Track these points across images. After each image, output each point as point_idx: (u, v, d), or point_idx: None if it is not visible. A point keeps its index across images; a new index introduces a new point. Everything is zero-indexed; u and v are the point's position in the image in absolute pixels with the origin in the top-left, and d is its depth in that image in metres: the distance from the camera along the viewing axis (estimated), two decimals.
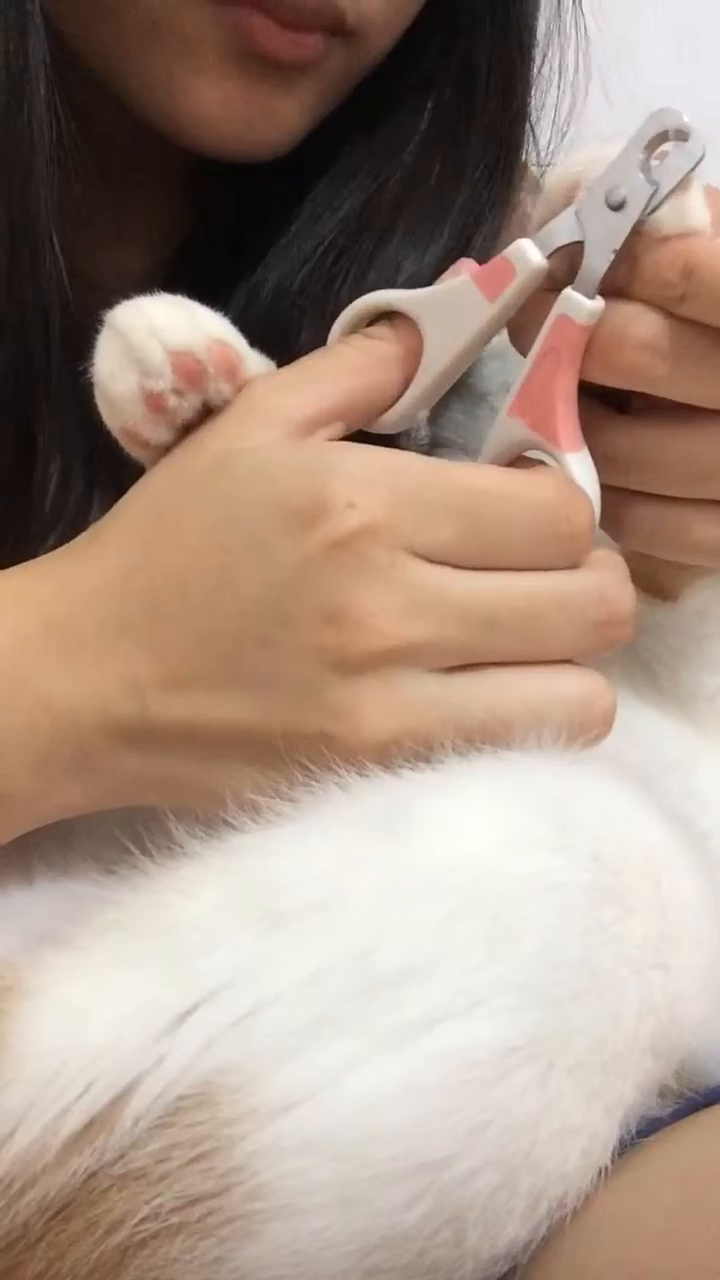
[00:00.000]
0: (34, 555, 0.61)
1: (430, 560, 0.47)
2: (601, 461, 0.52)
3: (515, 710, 0.48)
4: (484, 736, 0.48)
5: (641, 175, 0.47)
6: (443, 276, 0.52)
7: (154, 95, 0.62)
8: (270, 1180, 0.42)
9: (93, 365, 0.51)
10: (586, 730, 0.49)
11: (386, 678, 0.47)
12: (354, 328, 0.53)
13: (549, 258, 0.49)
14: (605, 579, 0.50)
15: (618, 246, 0.48)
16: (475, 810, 0.47)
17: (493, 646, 0.48)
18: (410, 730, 0.47)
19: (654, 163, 0.48)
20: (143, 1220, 0.42)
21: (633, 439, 0.52)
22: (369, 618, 0.46)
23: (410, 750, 0.47)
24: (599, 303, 0.49)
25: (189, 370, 0.49)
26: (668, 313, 0.49)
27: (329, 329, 0.55)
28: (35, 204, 0.59)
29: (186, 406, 0.50)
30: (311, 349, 0.54)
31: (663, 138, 0.48)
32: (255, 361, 0.52)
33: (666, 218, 0.48)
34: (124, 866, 0.49)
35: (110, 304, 0.69)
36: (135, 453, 0.52)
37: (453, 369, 0.51)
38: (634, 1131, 0.48)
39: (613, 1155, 0.47)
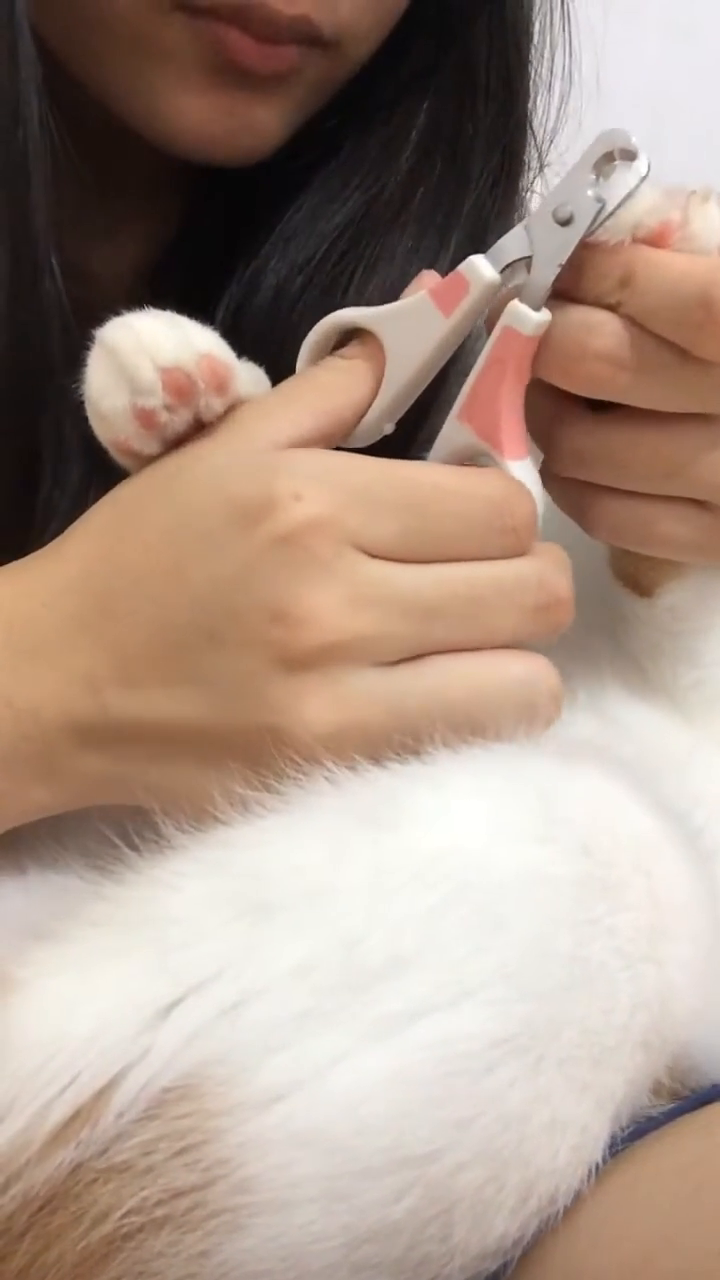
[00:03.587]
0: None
1: (375, 555, 0.48)
2: (570, 457, 0.53)
3: (460, 697, 0.49)
4: (429, 726, 0.48)
5: (589, 192, 0.49)
6: (405, 290, 0.53)
7: (136, 106, 0.63)
8: (257, 1173, 0.42)
9: (84, 379, 0.52)
10: (535, 712, 0.50)
11: (330, 672, 0.48)
12: (322, 346, 0.55)
13: (501, 273, 0.51)
14: (544, 565, 0.51)
15: (564, 260, 0.49)
16: (463, 802, 0.47)
17: (436, 637, 0.49)
18: (355, 723, 0.48)
19: (601, 181, 0.49)
20: (128, 1213, 0.42)
21: (600, 437, 0.53)
22: (313, 613, 0.47)
23: (357, 743, 0.48)
24: (545, 315, 0.50)
25: (179, 386, 0.50)
26: (630, 322, 0.50)
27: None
28: (34, 224, 0.60)
29: (178, 421, 0.51)
30: None
31: (610, 157, 0.49)
32: (246, 375, 0.53)
33: (609, 229, 0.49)
34: (112, 862, 0.49)
35: (105, 299, 0.70)
36: (124, 462, 0.53)
37: (415, 383, 0.52)
38: (631, 1130, 0.48)
39: (609, 1153, 0.47)
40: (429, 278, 0.53)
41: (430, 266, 0.65)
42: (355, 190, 0.69)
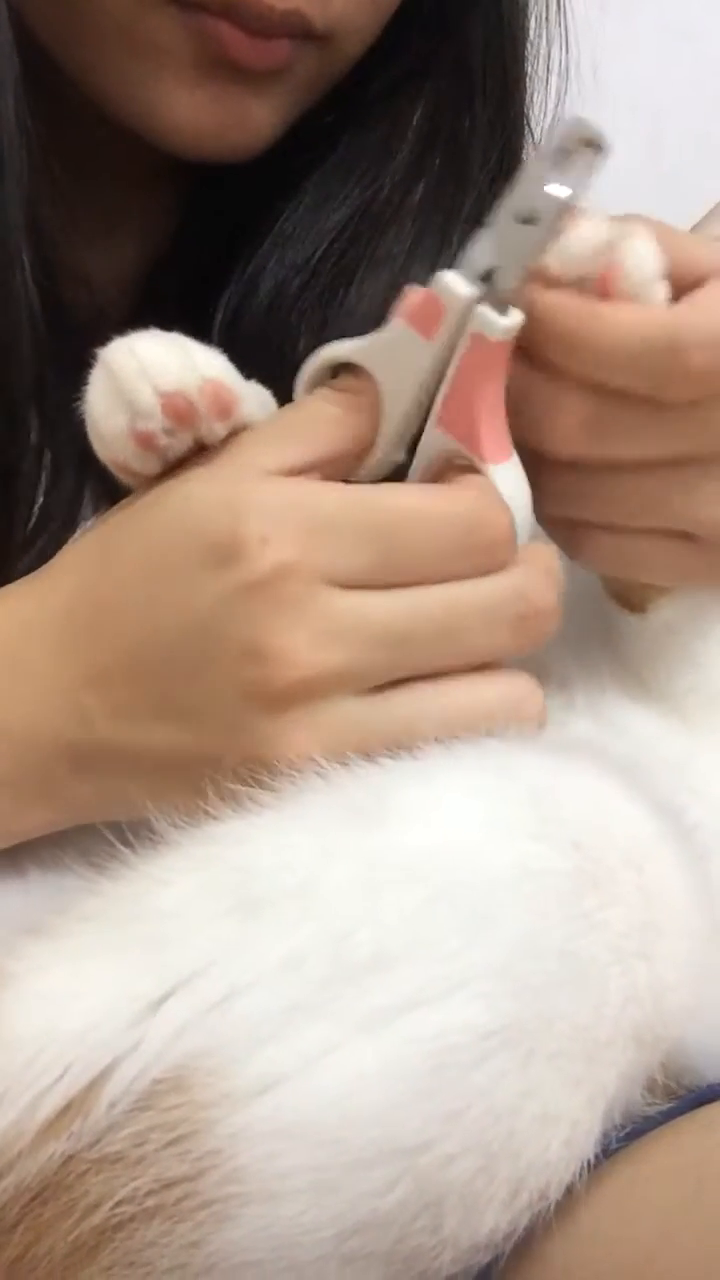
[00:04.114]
0: (23, 561, 0.62)
1: (350, 586, 0.48)
2: (554, 499, 0.53)
3: (439, 721, 0.49)
4: (413, 747, 0.49)
5: (548, 186, 0.47)
6: (391, 312, 0.52)
7: (128, 101, 0.63)
8: (247, 1164, 0.42)
9: (84, 397, 0.52)
10: (520, 730, 0.50)
11: (311, 706, 0.48)
12: (316, 381, 0.54)
13: (476, 284, 0.49)
14: (524, 577, 0.50)
15: (531, 262, 0.48)
16: (453, 797, 0.47)
17: (413, 662, 0.49)
18: (338, 751, 0.48)
19: (561, 174, 0.47)
20: (119, 1203, 0.42)
21: (581, 480, 0.53)
22: (286, 652, 0.47)
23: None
24: (513, 318, 0.48)
25: (180, 411, 0.50)
26: (596, 390, 0.50)
27: (327, 339, 0.56)
28: (6, 224, 0.60)
29: (178, 444, 0.51)
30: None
31: (568, 148, 0.47)
32: (253, 397, 0.52)
33: (552, 261, 0.49)
34: (108, 859, 0.49)
35: (103, 301, 0.70)
36: (125, 480, 0.53)
37: (415, 408, 0.51)
38: (629, 1130, 0.48)
39: (605, 1151, 0.47)
40: (410, 296, 0.51)
41: (431, 266, 0.65)
42: (353, 189, 0.69)
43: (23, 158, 0.60)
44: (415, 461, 0.52)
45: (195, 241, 0.72)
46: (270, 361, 0.56)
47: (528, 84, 0.73)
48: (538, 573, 0.51)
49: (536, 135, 0.74)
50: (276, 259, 0.69)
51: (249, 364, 0.57)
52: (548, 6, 0.73)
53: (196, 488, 0.50)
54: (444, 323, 0.49)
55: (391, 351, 0.50)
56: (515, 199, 0.48)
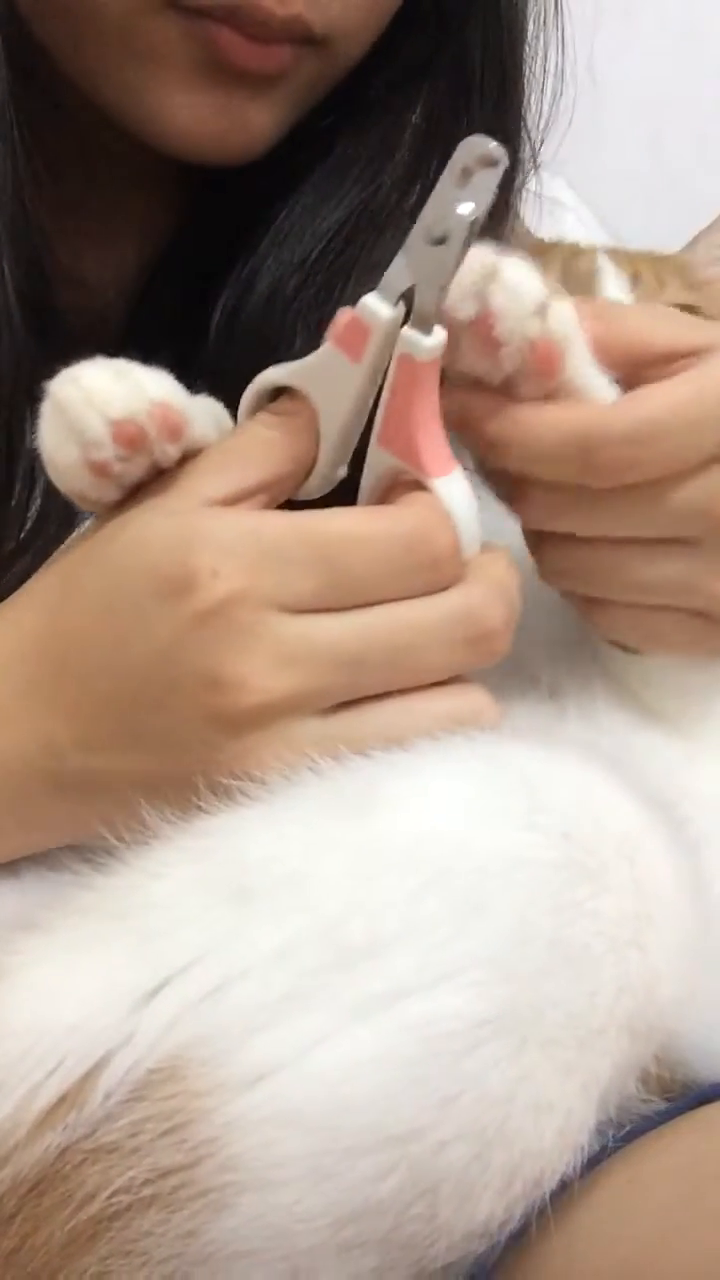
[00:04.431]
0: (19, 565, 0.63)
1: (300, 611, 0.49)
2: (558, 575, 0.55)
3: (396, 737, 0.50)
4: None
5: (455, 206, 0.48)
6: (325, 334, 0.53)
7: (129, 105, 0.63)
8: (241, 1152, 0.42)
9: (37, 434, 0.52)
10: None
11: (272, 729, 0.49)
12: (257, 406, 0.54)
13: (396, 304, 0.49)
14: (471, 596, 0.50)
15: (446, 282, 0.48)
16: (444, 786, 0.48)
17: (368, 682, 0.50)
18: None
19: (467, 194, 0.48)
20: (115, 1193, 0.42)
21: (581, 558, 0.54)
22: (243, 678, 0.48)
23: None
24: (436, 337, 0.49)
25: (131, 437, 0.50)
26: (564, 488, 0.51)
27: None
28: None
29: (134, 469, 0.51)
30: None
31: (469, 168, 0.48)
32: (202, 414, 0.53)
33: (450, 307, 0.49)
34: (101, 854, 0.50)
35: (101, 303, 0.70)
36: (87, 509, 0.54)
37: (349, 428, 0.52)
38: (628, 1130, 0.48)
39: (605, 1151, 0.47)
40: (341, 316, 0.51)
41: None
42: (351, 189, 0.69)
43: (9, 163, 0.60)
44: (364, 481, 0.53)
45: (193, 243, 0.72)
46: (266, 361, 0.57)
47: (526, 86, 0.73)
48: (486, 589, 0.51)
49: (535, 138, 0.75)
50: (273, 259, 0.69)
51: (245, 364, 0.58)
52: (546, 9, 0.73)
53: (150, 521, 0.51)
54: (369, 345, 0.50)
55: (324, 373, 0.52)
56: (425, 221, 0.49)
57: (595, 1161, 0.47)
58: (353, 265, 0.69)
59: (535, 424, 0.50)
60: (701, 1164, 0.47)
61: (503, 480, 0.54)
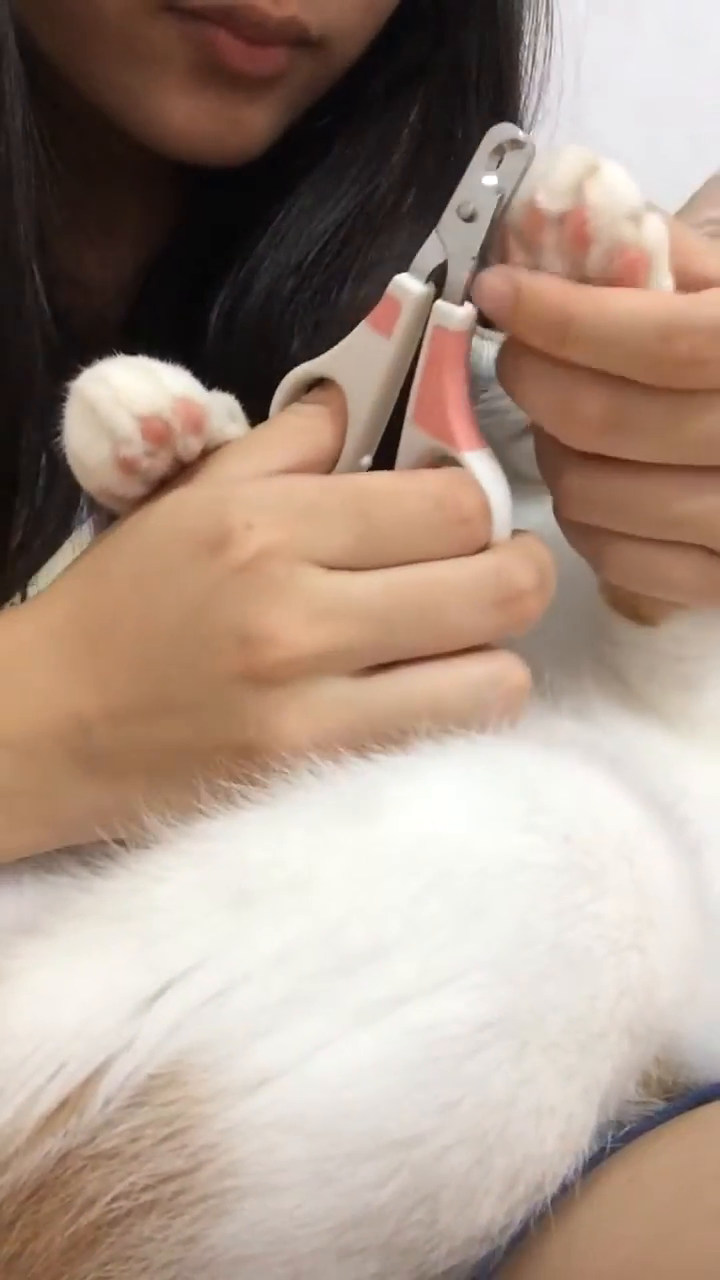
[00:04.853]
0: (19, 563, 0.62)
1: (332, 566, 0.50)
2: (576, 503, 0.54)
3: (425, 703, 0.50)
4: (401, 730, 0.50)
5: (484, 185, 0.50)
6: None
7: (126, 107, 0.64)
8: (242, 1158, 0.42)
9: (63, 433, 0.53)
10: (502, 709, 0.51)
11: (299, 686, 0.49)
12: (290, 399, 0.56)
13: (426, 282, 0.52)
14: (503, 558, 0.51)
15: (475, 254, 0.50)
16: (444, 790, 0.48)
17: (396, 641, 0.50)
18: (328, 732, 0.49)
19: (496, 171, 0.50)
20: (116, 1199, 0.42)
21: (604, 484, 0.53)
22: (274, 631, 0.49)
23: (332, 752, 0.49)
24: (468, 309, 0.51)
25: (158, 432, 0.51)
26: (615, 380, 0.50)
27: (321, 338, 0.57)
28: (14, 237, 0.61)
29: (159, 464, 0.52)
30: (304, 358, 0.55)
31: (500, 150, 0.50)
32: (219, 407, 0.54)
33: (512, 212, 0.50)
34: (101, 858, 0.50)
35: (98, 304, 0.70)
36: (111, 505, 0.55)
37: (379, 411, 0.54)
38: (628, 1130, 0.48)
39: (603, 1150, 0.47)
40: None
41: None
42: (348, 190, 0.70)
43: (31, 170, 0.60)
44: (398, 463, 0.54)
45: (191, 243, 0.72)
46: (264, 362, 0.57)
47: (523, 87, 0.73)
48: (518, 555, 0.51)
49: (531, 138, 0.74)
50: (271, 260, 0.70)
51: (243, 365, 0.58)
52: (541, 10, 0.73)
53: (184, 493, 0.52)
54: (400, 320, 0.52)
55: (355, 355, 0.53)
56: (457, 198, 0.51)
57: (595, 1161, 0.47)
58: (350, 266, 0.69)
59: (616, 304, 0.49)
60: (701, 1164, 0.47)
61: (545, 395, 0.52)
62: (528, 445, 0.56)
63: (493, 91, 0.71)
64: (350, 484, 0.51)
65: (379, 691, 0.50)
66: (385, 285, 0.66)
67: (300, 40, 0.62)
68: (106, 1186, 0.42)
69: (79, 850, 0.53)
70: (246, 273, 0.70)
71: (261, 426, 0.55)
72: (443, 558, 0.50)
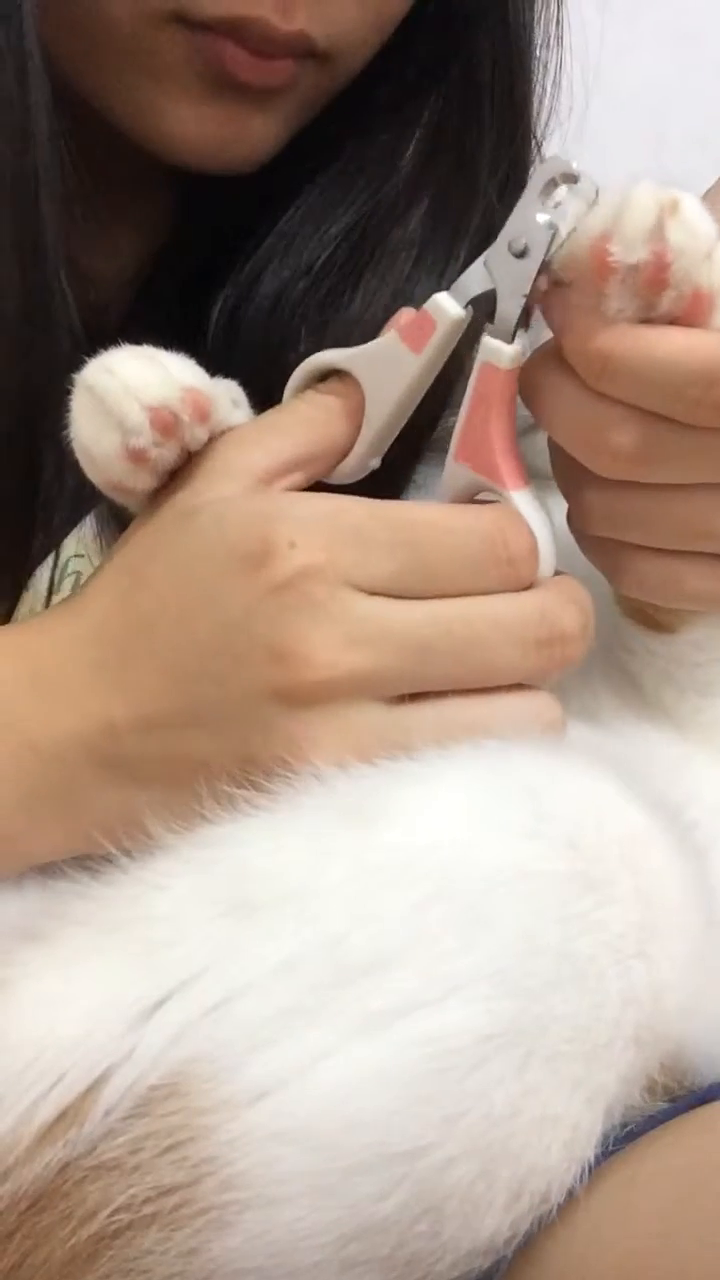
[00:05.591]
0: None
1: (374, 592, 0.49)
2: (597, 518, 0.53)
3: (462, 733, 0.49)
4: None
5: (539, 221, 0.49)
6: (384, 329, 0.54)
7: (136, 118, 0.64)
8: (244, 1170, 0.42)
9: (71, 426, 0.53)
10: None
11: (333, 708, 0.49)
12: (305, 386, 0.55)
13: (465, 308, 0.51)
14: (547, 599, 0.51)
15: (526, 291, 0.50)
16: (448, 797, 0.47)
17: (433, 673, 0.50)
18: (358, 756, 0.49)
19: (549, 209, 0.49)
20: (116, 1211, 0.42)
21: (626, 500, 0.52)
22: (310, 652, 0.48)
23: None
24: (518, 346, 0.50)
25: (166, 423, 0.51)
26: (647, 414, 0.49)
27: (325, 342, 0.56)
28: (44, 244, 0.61)
29: (167, 454, 0.52)
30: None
31: (554, 184, 0.49)
32: (225, 399, 0.54)
33: (563, 262, 0.49)
34: (102, 864, 0.49)
35: (102, 298, 0.70)
36: (119, 499, 0.54)
37: (394, 419, 0.53)
38: (628, 1130, 0.48)
39: (605, 1151, 0.47)
40: (404, 315, 0.53)
41: (437, 279, 0.66)
42: (358, 195, 0.70)
43: (56, 176, 0.61)
44: (438, 495, 0.54)
45: (194, 241, 0.72)
46: (267, 362, 0.57)
47: (534, 91, 0.73)
48: (562, 598, 0.51)
49: (540, 143, 0.74)
50: (279, 261, 0.70)
51: (246, 364, 0.58)
52: (549, 12, 0.72)
53: (225, 504, 0.51)
54: (432, 340, 0.51)
55: (380, 361, 0.53)
56: (508, 232, 0.50)
57: (595, 1161, 0.47)
58: (360, 271, 0.69)
59: (662, 347, 0.48)
60: (702, 1164, 0.47)
61: (574, 424, 0.51)
62: (539, 441, 0.56)
63: (505, 96, 0.71)
64: (400, 512, 0.51)
65: (415, 720, 0.50)
66: (394, 291, 0.66)
67: (307, 53, 0.62)
68: (107, 1198, 0.42)
69: (80, 856, 0.52)
70: (251, 271, 0.70)
71: (274, 411, 0.55)
72: (484, 594, 0.50)
